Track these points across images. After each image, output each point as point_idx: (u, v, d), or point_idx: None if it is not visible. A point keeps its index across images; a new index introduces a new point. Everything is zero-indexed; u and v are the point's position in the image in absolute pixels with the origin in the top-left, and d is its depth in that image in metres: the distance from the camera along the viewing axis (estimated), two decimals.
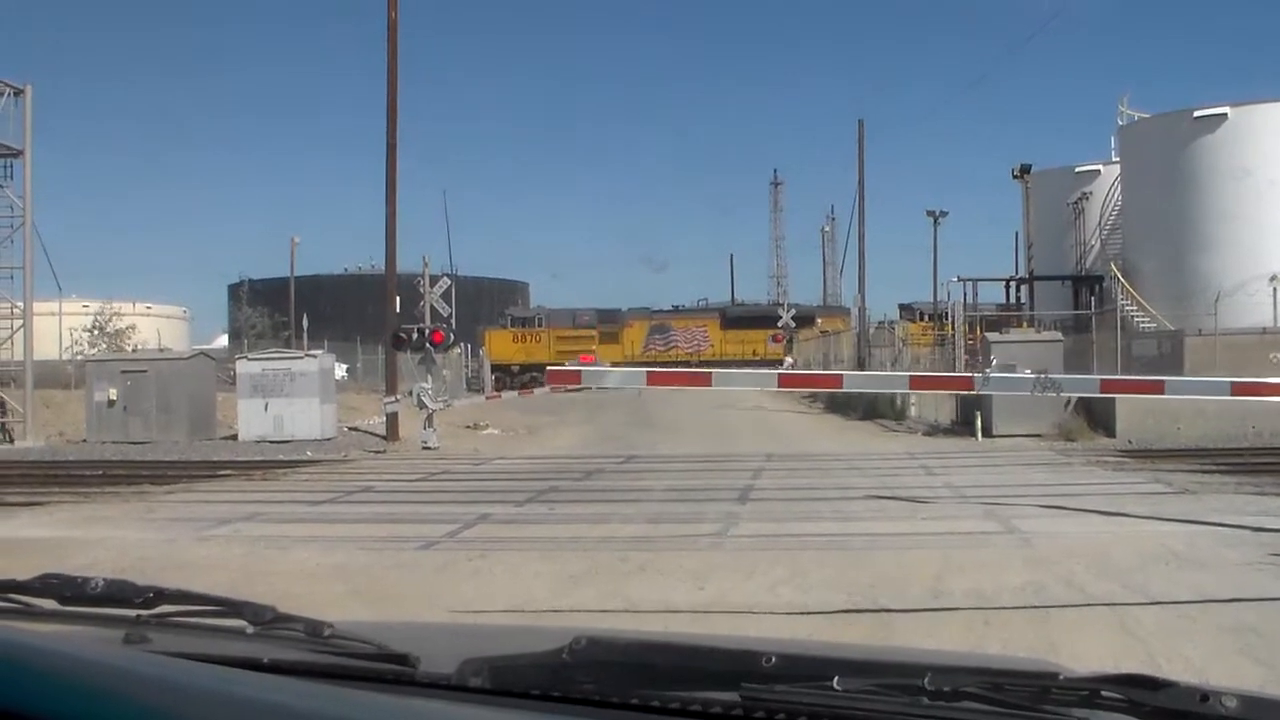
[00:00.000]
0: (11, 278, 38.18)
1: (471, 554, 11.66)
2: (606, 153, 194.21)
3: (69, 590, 2.07)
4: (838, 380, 19.89)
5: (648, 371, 18.99)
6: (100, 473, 25.00)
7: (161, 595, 2.08)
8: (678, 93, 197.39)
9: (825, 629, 7.91)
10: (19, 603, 2.09)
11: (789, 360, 65.29)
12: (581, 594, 9.49)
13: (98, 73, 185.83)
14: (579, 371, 20.00)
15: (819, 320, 67.60)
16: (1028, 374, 14.65)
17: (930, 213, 61.48)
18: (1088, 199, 53.97)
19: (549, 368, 19.99)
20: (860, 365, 44.59)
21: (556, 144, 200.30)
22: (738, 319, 73.86)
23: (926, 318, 56.37)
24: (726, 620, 8.32)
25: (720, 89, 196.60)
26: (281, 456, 27.26)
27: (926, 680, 1.63)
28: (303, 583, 9.51)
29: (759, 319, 72.70)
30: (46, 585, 2.10)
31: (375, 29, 30.82)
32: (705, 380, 17.44)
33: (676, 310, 76.58)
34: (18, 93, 37.48)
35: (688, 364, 71.12)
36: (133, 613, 2.05)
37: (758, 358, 70.71)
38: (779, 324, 68.24)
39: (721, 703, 1.63)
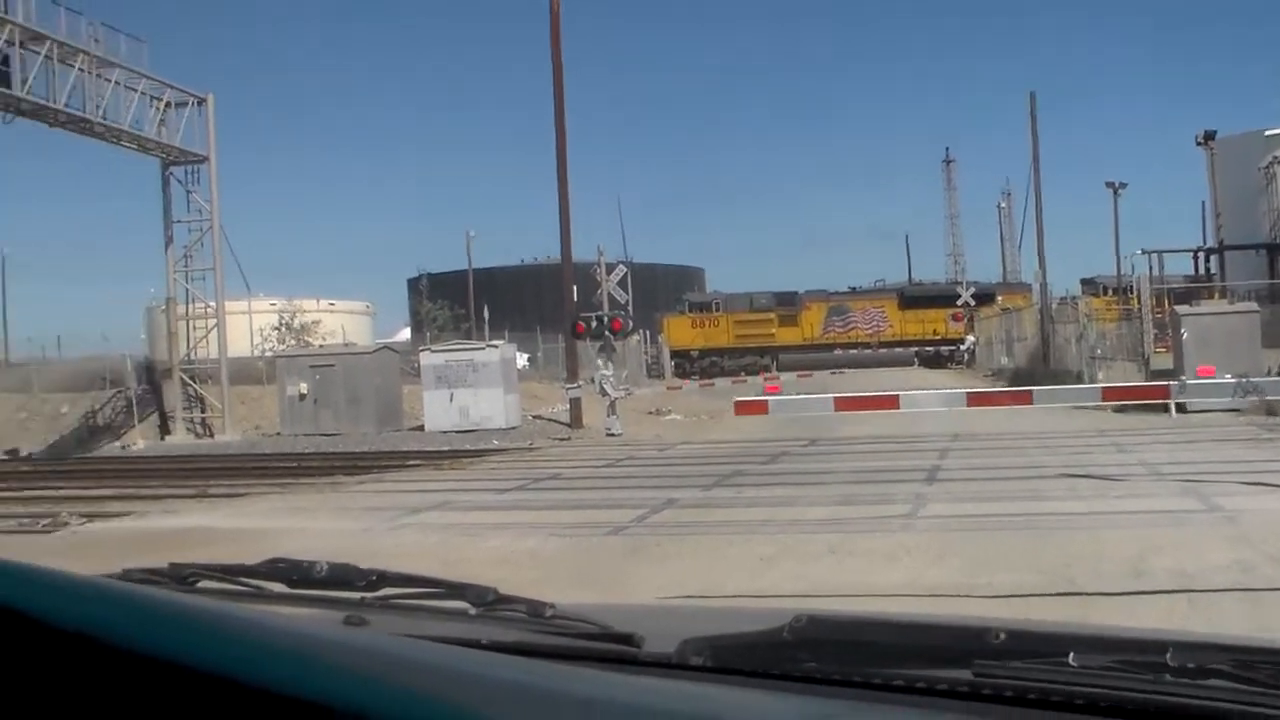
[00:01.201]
0: (204, 278, 39.48)
1: (660, 538, 11.67)
2: (775, 136, 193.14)
3: (296, 574, 2.15)
4: (1026, 397, 19.49)
5: (835, 398, 19.11)
6: (295, 464, 25.73)
7: (384, 578, 2.14)
8: (847, 75, 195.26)
9: (1020, 611, 7.66)
10: (250, 586, 2.18)
11: (970, 339, 64.37)
12: (771, 577, 9.41)
13: (277, 78, 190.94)
14: (766, 402, 20.01)
15: (999, 297, 66.38)
16: (1227, 379, 14.04)
17: (1110, 184, 60.05)
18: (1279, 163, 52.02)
19: (735, 399, 20.08)
20: (1044, 342, 43.70)
21: (726, 129, 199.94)
22: (916, 298, 73.00)
23: (1110, 292, 54.91)
24: (920, 603, 8.13)
25: (891, 69, 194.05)
26: (468, 446, 27.69)
27: (1169, 657, 1.55)
28: (496, 569, 9.58)
29: (937, 298, 71.83)
30: (275, 569, 2.19)
31: (544, 20, 31.01)
32: (892, 403, 17.36)
33: (854, 291, 76.00)
34: (200, 102, 38.71)
35: (867, 345, 70.67)
36: (356, 595, 2.10)
37: (938, 337, 69.91)
38: (958, 302, 67.34)
39: (948, 680, 1.58)
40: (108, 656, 1.04)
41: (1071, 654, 1.57)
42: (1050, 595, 8.17)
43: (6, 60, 31.16)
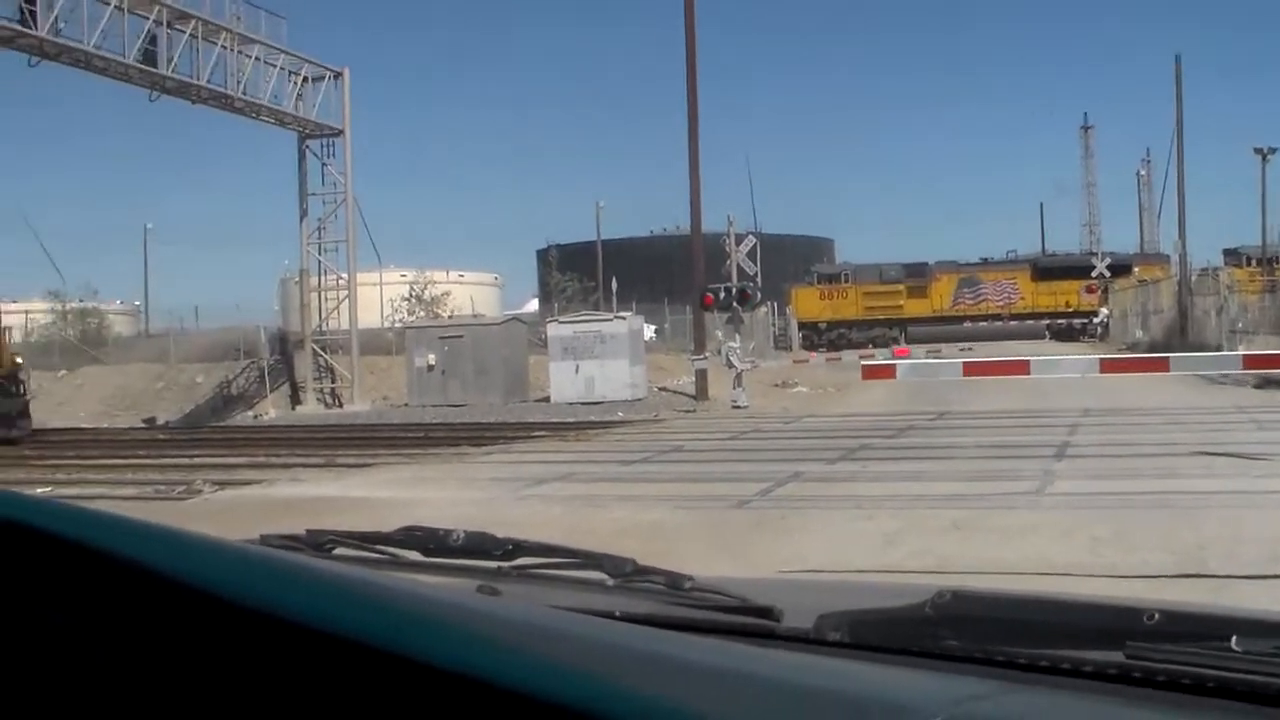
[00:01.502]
0: (336, 250, 40.15)
1: (784, 512, 11.64)
2: (906, 104, 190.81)
3: (432, 542, 2.15)
4: (1163, 364, 19.01)
5: (964, 363, 18.82)
6: (421, 435, 26.13)
7: (520, 548, 2.12)
8: (979, 38, 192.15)
9: (1153, 593, 7.49)
10: (385, 553, 2.18)
11: (1104, 312, 63.17)
12: (896, 553, 9.35)
13: (408, 50, 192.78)
14: (893, 366, 19.84)
15: (1136, 269, 64.92)
16: None
17: (1258, 150, 58.14)
18: None
19: (863, 362, 19.85)
20: (1182, 315, 42.74)
21: (856, 97, 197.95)
22: (1049, 270, 71.81)
23: (1254, 263, 53.41)
24: (1048, 582, 8.02)
25: (1026, 30, 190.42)
26: (593, 417, 27.86)
27: None
28: (620, 540, 9.65)
29: (1071, 269, 70.58)
30: (410, 537, 2.19)
31: None
32: (1023, 369, 17.04)
33: (985, 263, 74.92)
34: (337, 75, 39.36)
35: (998, 317, 69.70)
36: (493, 564, 2.10)
37: (1070, 309, 68.74)
38: (1093, 274, 66.09)
39: (1098, 662, 1.53)
40: (248, 620, 1.05)
41: (1235, 638, 1.50)
42: (1182, 576, 7.95)
43: (154, 40, 32.05)
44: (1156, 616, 1.60)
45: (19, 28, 28.45)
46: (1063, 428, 19.03)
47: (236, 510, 13.77)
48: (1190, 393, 26.31)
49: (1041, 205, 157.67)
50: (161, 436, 32.15)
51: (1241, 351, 30.35)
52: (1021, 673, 1.54)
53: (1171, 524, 10.01)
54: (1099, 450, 16.16)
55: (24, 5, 28.30)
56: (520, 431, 25.57)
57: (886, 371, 19.50)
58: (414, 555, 2.15)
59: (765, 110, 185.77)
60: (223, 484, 17.98)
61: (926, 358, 39.50)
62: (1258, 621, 1.70)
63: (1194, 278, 45.15)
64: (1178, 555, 8.57)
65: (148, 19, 31.79)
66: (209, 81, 34.31)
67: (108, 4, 30.34)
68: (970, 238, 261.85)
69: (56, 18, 29.17)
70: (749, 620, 1.81)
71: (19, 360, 31.23)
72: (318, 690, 1.07)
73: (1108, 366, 18.95)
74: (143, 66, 31.90)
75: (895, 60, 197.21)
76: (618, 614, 1.76)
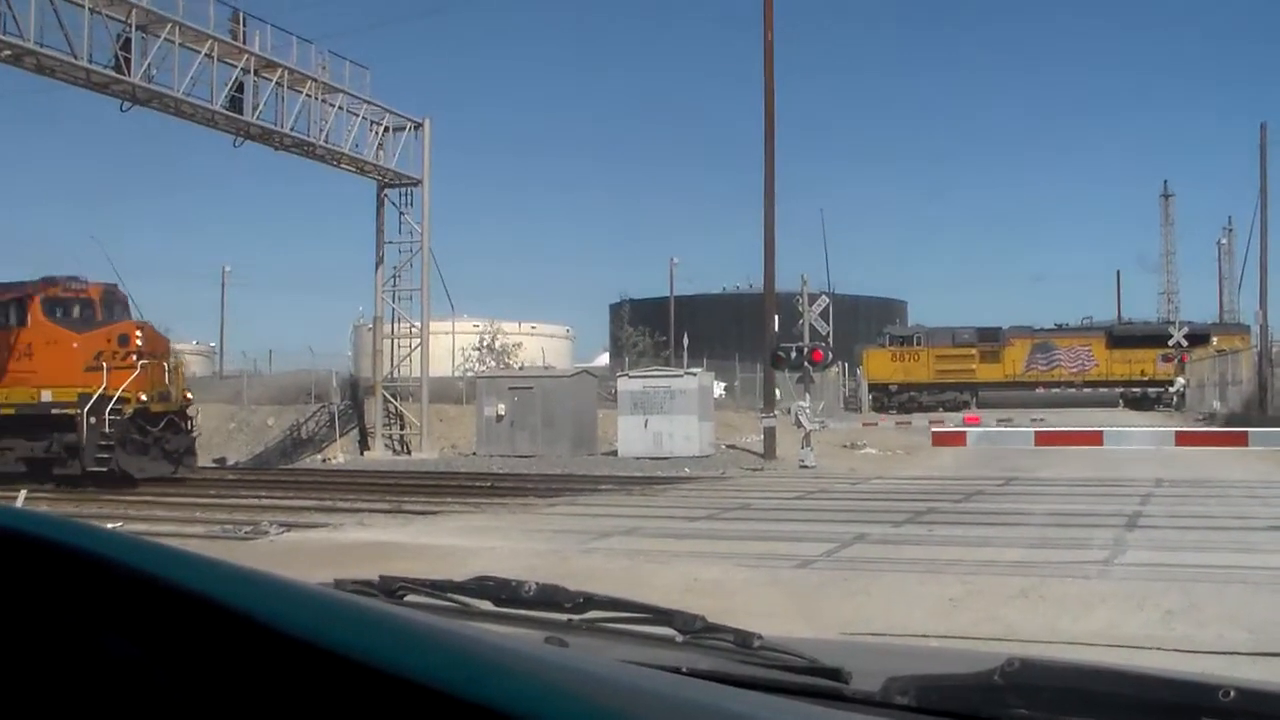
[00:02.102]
0: (410, 298, 40.52)
1: (848, 574, 11.57)
2: (984, 166, 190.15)
3: (504, 592, 2.16)
4: (1241, 438, 18.79)
5: (1036, 432, 18.72)
6: (489, 484, 26.19)
7: (591, 601, 2.14)
8: (1065, 105, 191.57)
9: (1227, 670, 7.37)
10: (457, 602, 2.20)
11: (1180, 381, 62.42)
12: (960, 618, 9.27)
13: (486, 102, 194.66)
14: (964, 433, 19.76)
15: (1214, 339, 64.13)
16: None
17: None
18: None
19: (933, 429, 19.71)
20: (1261, 387, 42.15)
21: (935, 158, 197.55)
22: (1124, 338, 71.11)
23: None
24: (1116, 654, 7.91)
25: (1110, 103, 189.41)
26: (660, 473, 27.83)
27: None
28: (681, 596, 9.64)
29: (1147, 338, 69.88)
30: (483, 587, 2.21)
31: (754, 43, 31.16)
32: (1096, 439, 16.92)
33: (1059, 328, 74.30)
34: (417, 126, 39.85)
35: (1071, 384, 69.04)
36: (563, 616, 2.11)
37: (1145, 378, 67.98)
38: (1170, 343, 65.39)
39: None
40: (325, 663, 1.07)
41: None
42: (1258, 654, 7.83)
43: (241, 88, 32.75)
44: (1232, 694, 1.57)
45: (114, 74, 29.22)
46: (1135, 498, 18.83)
47: (301, 552, 13.90)
48: (1268, 466, 25.91)
49: (1119, 273, 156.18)
50: (231, 477, 32.48)
51: None
52: None
53: (1248, 599, 9.85)
54: (1172, 522, 15.95)
55: (119, 53, 29.10)
56: (587, 484, 25.59)
57: (957, 439, 19.44)
58: (485, 605, 2.17)
59: (842, 164, 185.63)
60: (289, 525, 18.13)
61: (998, 424, 39.29)
62: None
63: (1275, 349, 44.51)
64: (1255, 633, 8.41)
65: (235, 67, 32.47)
66: (292, 129, 34.91)
67: (198, 52, 31.05)
68: (1045, 304, 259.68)
69: (150, 65, 29.88)
70: (817, 681, 1.80)
71: (189, 396, 31.26)
72: None
73: (1183, 439, 18.72)
74: (229, 113, 32.56)
75: (971, 114, 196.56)
76: (686, 670, 1.75)
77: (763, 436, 31.66)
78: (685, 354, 60.03)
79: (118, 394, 27.28)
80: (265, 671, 1.12)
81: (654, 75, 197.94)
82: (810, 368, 30.09)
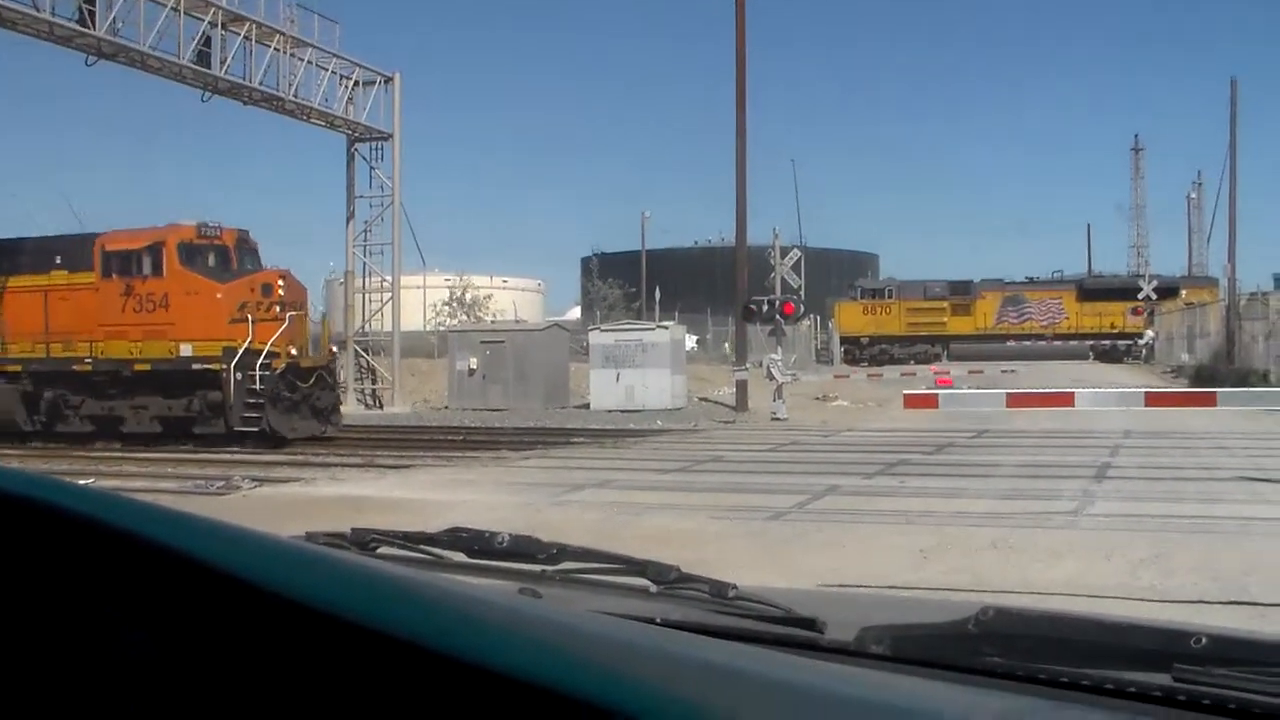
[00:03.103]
0: (381, 253, 40.31)
1: (821, 525, 11.62)
2: (954, 118, 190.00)
3: (477, 544, 2.15)
4: (1210, 399, 18.86)
5: (1007, 394, 18.74)
6: (461, 438, 26.19)
7: (565, 552, 2.13)
8: (1031, 55, 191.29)
9: (1195, 618, 7.41)
10: (430, 554, 2.20)
11: (1149, 334, 62.81)
12: (932, 569, 9.32)
13: (458, 55, 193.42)
14: (935, 395, 19.78)
15: (1183, 292, 64.57)
16: None
17: None
18: None
19: (905, 392, 19.77)
20: (1229, 340, 42.38)
21: (904, 109, 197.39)
22: (1094, 291, 71.49)
23: None
24: (1086, 603, 7.95)
25: (1077, 52, 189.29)
26: (632, 425, 27.86)
27: None
28: (655, 548, 9.65)
29: (1117, 291, 70.28)
30: (456, 539, 2.19)
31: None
32: (1068, 400, 17.09)
33: (1030, 282, 74.64)
34: (388, 80, 39.56)
35: (1042, 337, 69.38)
36: (537, 568, 2.10)
37: (1115, 331, 68.43)
38: (1139, 296, 65.77)
39: (1142, 683, 1.51)
40: (295, 614, 1.06)
41: None
42: (1223, 603, 7.87)
43: (209, 41, 32.34)
44: (1204, 640, 1.58)
45: (78, 28, 28.75)
46: (1104, 449, 18.93)
47: (274, 507, 13.89)
48: (1237, 418, 26.04)
49: (1089, 226, 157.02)
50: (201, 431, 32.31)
51: None
52: (1065, 691, 1.53)
53: (1215, 549, 9.92)
54: (1140, 472, 16.04)
55: (83, 5, 28.61)
56: (559, 437, 25.61)
57: (929, 401, 19.46)
58: (458, 556, 2.16)
59: (813, 120, 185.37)
60: (261, 480, 18.11)
61: (969, 376, 39.36)
62: None
63: (1243, 302, 44.71)
64: (1221, 581, 8.47)
65: (203, 21, 32.04)
66: (261, 84, 34.55)
67: (164, 6, 30.62)
68: (1016, 257, 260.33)
69: (114, 18, 29.49)
70: (792, 631, 1.80)
71: (334, 350, 30.31)
72: (361, 686, 1.08)
73: (1153, 400, 18.82)
74: (196, 67, 32.13)
75: (944, 71, 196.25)
76: (660, 620, 1.75)
77: (735, 389, 31.67)
78: (657, 307, 60.02)
79: (266, 348, 25.48)
80: (238, 625, 1.11)
81: (629, 28, 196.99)
82: (782, 321, 30.08)
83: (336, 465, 20.70)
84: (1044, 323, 71.06)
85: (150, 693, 1.15)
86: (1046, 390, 22.71)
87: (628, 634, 1.36)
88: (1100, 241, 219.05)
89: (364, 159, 39.86)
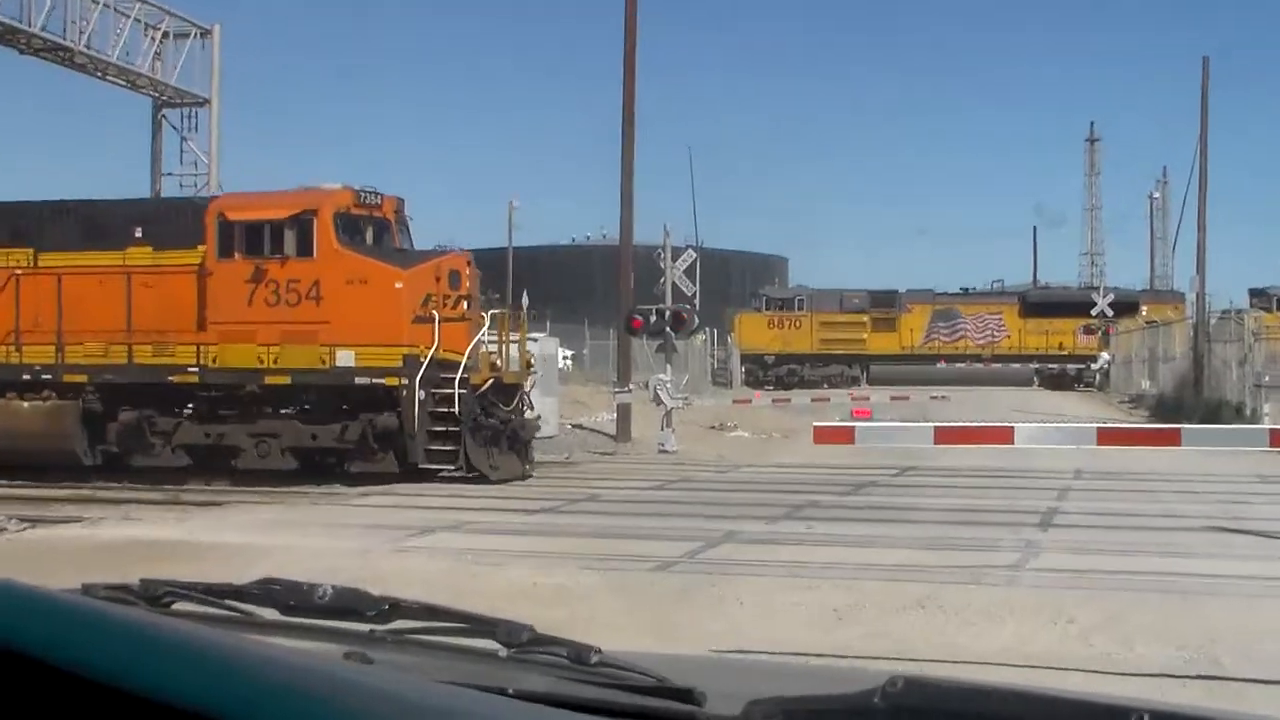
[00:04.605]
0: None
1: (715, 578, 11.65)
2: (870, 107, 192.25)
3: (293, 598, 2.13)
4: (1173, 436, 19.21)
5: (935, 427, 18.92)
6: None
7: (398, 608, 2.11)
8: (971, 36, 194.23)
9: (1153, 694, 7.49)
10: (237, 610, 2.16)
11: (1104, 357, 63.71)
12: (847, 632, 9.40)
13: (290, 10, 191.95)
14: (851, 429, 19.91)
15: (1144, 308, 65.46)
16: None
17: None
18: None
19: (815, 424, 19.68)
20: (1197, 365, 43.06)
21: (814, 99, 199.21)
22: (1041, 305, 72.31)
23: None
24: (1028, 675, 8.02)
25: (1025, 34, 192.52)
26: None
27: None
28: (516, 605, 9.61)
29: (1067, 305, 71.12)
30: (268, 592, 2.17)
31: None
32: (1006, 437, 17.28)
33: (965, 293, 75.36)
34: (205, 34, 38.88)
35: (978, 358, 70.11)
36: (364, 627, 2.09)
37: (1064, 352, 69.24)
38: (1093, 312, 66.56)
39: None
40: (63, 685, 1.03)
41: None
42: (1190, 677, 7.99)
43: None
44: (1145, 718, 1.60)
45: None
46: (1050, 491, 19.20)
47: (51, 554, 13.51)
48: (1205, 456, 26.45)
49: (1035, 229, 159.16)
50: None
51: (1268, 419, 30.44)
52: None
53: (1178, 611, 10.07)
54: (1092, 520, 16.30)
55: None
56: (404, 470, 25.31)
57: (843, 435, 19.53)
58: (271, 613, 2.14)
59: (712, 112, 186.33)
60: (33, 520, 17.69)
61: (892, 405, 39.78)
62: None
63: (1213, 321, 45.10)
64: (1185, 649, 8.61)
65: None
66: (43, 29, 33.66)
67: None
68: (949, 267, 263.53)
69: None
70: (666, 704, 1.80)
71: (531, 362, 26.00)
72: None
73: (1106, 438, 19.10)
74: None
75: (867, 62, 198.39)
76: (510, 691, 1.73)
77: (615, 415, 31.65)
78: (524, 316, 59.79)
79: (464, 359, 22.22)
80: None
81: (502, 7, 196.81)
82: (672, 334, 30.13)
83: (130, 502, 20.31)
84: (981, 341, 71.70)
85: None
86: (982, 424, 22.95)
87: (470, 706, 1.37)
88: (1048, 248, 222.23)
89: (174, 128, 39.36)
